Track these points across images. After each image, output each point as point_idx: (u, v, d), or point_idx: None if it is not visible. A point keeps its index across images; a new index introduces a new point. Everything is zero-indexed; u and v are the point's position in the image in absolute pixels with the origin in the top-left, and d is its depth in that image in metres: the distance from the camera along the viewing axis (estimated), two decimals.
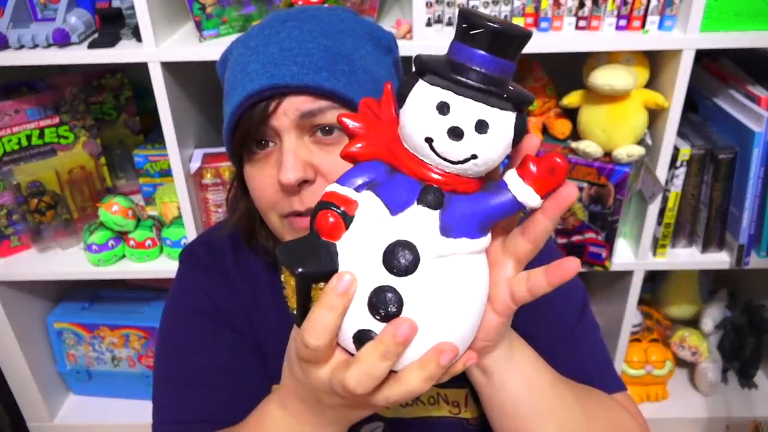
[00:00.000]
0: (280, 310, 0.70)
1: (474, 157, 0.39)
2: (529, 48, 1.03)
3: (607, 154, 1.11)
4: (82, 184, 1.31)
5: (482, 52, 0.38)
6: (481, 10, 1.04)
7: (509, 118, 0.39)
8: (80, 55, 1.05)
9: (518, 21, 1.05)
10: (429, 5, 1.04)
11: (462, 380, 0.67)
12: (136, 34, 1.04)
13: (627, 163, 1.09)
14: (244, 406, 0.63)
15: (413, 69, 0.41)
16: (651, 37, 1.02)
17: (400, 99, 0.41)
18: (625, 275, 1.25)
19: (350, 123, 0.44)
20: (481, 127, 0.38)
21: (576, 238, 1.19)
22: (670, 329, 1.46)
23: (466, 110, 0.38)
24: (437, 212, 0.40)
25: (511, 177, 0.41)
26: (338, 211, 0.41)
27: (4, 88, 1.24)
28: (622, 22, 1.03)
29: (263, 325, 0.71)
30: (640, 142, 1.10)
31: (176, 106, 1.10)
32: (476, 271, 0.43)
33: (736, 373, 1.48)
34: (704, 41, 1.00)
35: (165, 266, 1.25)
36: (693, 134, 1.18)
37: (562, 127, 1.17)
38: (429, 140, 0.39)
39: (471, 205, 0.41)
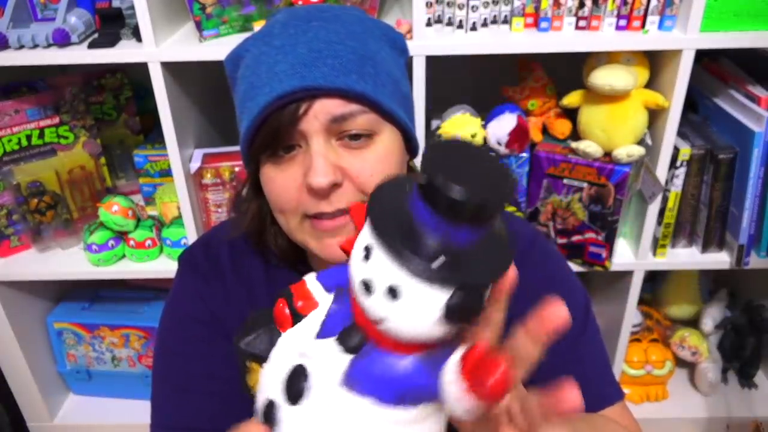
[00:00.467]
0: None
1: (383, 321, 0.33)
2: (529, 48, 1.03)
3: (607, 154, 1.11)
4: (82, 184, 1.31)
5: (434, 214, 0.31)
6: (481, 10, 1.04)
7: (435, 296, 0.31)
8: (80, 55, 1.05)
9: (518, 21, 1.05)
10: (429, 5, 1.04)
11: None
12: (136, 34, 1.04)
13: (627, 163, 1.09)
14: (238, 413, 0.63)
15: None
16: (651, 37, 1.02)
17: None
18: (625, 275, 1.25)
19: (358, 215, 0.38)
20: (391, 293, 0.32)
21: (576, 238, 1.19)
22: (670, 329, 1.46)
23: (380, 267, 0.32)
24: (349, 357, 0.36)
25: (453, 359, 0.34)
26: (292, 306, 0.40)
27: (4, 88, 1.24)
28: (622, 22, 1.03)
29: None
30: (640, 142, 1.10)
31: (176, 106, 1.10)
32: None
33: (736, 373, 1.48)
34: (704, 41, 1.00)
35: (165, 266, 1.25)
36: (693, 134, 1.19)
37: (562, 127, 1.17)
38: (351, 280, 0.35)
39: (390, 368, 0.35)
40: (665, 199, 1.17)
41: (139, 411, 1.41)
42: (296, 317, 0.40)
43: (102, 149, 1.33)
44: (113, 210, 1.21)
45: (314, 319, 0.40)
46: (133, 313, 1.41)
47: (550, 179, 1.15)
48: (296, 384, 0.36)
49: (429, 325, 0.32)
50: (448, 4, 1.04)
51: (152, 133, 1.38)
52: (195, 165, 1.17)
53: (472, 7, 1.04)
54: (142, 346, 1.41)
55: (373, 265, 0.32)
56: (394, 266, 0.31)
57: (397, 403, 0.35)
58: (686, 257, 1.24)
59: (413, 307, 0.32)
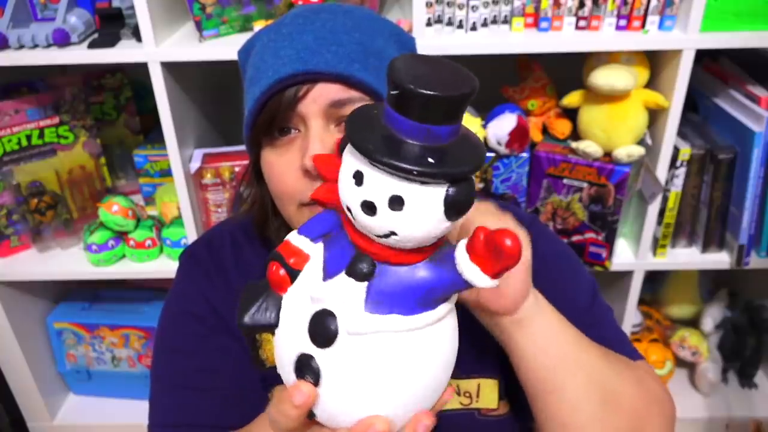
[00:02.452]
0: None
1: (393, 233, 0.35)
2: (529, 48, 1.03)
3: (607, 154, 1.11)
4: (82, 184, 1.31)
5: (410, 121, 0.33)
6: (481, 10, 1.04)
7: (434, 193, 0.34)
8: (80, 55, 1.05)
9: (518, 21, 1.05)
10: (429, 5, 1.04)
11: (475, 371, 0.67)
12: (136, 34, 1.04)
13: (627, 163, 1.09)
14: (239, 410, 0.63)
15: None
16: (651, 37, 1.02)
17: (340, 154, 0.38)
18: (625, 275, 1.25)
19: (323, 164, 0.41)
20: (396, 203, 0.34)
21: (576, 238, 1.19)
22: (670, 329, 1.46)
23: (378, 184, 0.34)
24: (364, 285, 0.37)
25: (460, 251, 0.37)
26: (284, 265, 0.40)
27: (4, 88, 1.24)
28: (622, 22, 1.03)
29: None
30: (640, 142, 1.10)
31: (176, 106, 1.10)
32: (419, 347, 0.39)
33: (736, 373, 1.48)
34: (704, 41, 1.00)
35: (165, 266, 1.25)
36: (693, 134, 1.18)
37: (562, 127, 1.17)
38: (348, 209, 0.36)
39: (407, 279, 0.37)
40: (665, 199, 1.17)
41: (139, 411, 1.41)
42: (293, 275, 0.41)
43: (102, 149, 1.33)
44: (113, 210, 1.21)
45: (312, 269, 0.40)
46: (133, 313, 1.41)
47: (550, 179, 1.15)
48: (323, 328, 0.37)
49: (434, 224, 0.35)
50: (448, 4, 1.04)
51: (152, 133, 1.38)
52: (195, 165, 1.17)
53: (472, 7, 1.04)
54: (142, 346, 1.41)
55: (370, 186, 0.34)
56: (391, 179, 0.34)
57: (421, 308, 0.38)
58: (686, 257, 1.24)
59: (417, 210, 0.34)
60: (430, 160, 0.33)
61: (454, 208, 0.35)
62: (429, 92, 0.32)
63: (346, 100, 0.57)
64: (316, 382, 0.39)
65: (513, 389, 0.68)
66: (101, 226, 1.23)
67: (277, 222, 0.69)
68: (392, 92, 0.34)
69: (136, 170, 1.34)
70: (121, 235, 1.24)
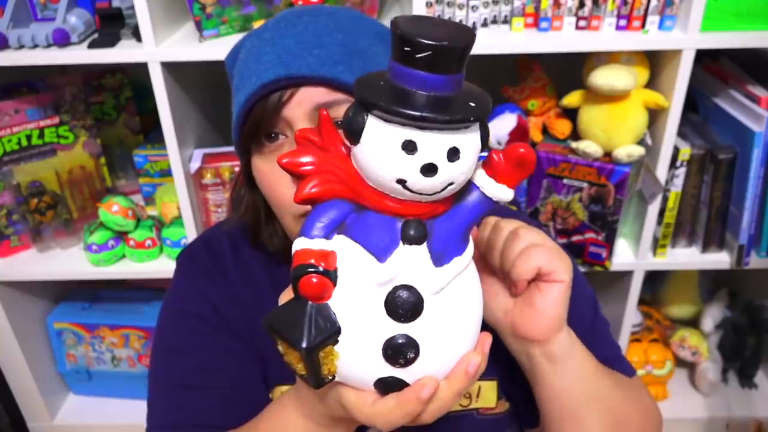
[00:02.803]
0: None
1: (450, 184, 0.37)
2: (529, 48, 1.03)
3: (607, 154, 1.11)
4: (82, 184, 1.31)
5: (433, 75, 0.35)
6: (481, 10, 1.04)
7: (476, 132, 0.37)
8: (80, 55, 1.05)
9: (518, 21, 1.05)
10: (429, 5, 1.04)
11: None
12: (136, 34, 1.04)
13: (627, 163, 1.09)
14: (240, 409, 0.63)
15: (357, 96, 0.37)
16: (651, 37, 1.02)
17: (352, 135, 0.37)
18: (625, 275, 1.25)
19: (298, 161, 0.40)
20: (454, 154, 0.36)
21: (576, 238, 1.19)
22: (670, 329, 1.46)
23: (435, 144, 0.35)
24: (424, 246, 0.39)
25: (481, 178, 0.40)
26: (319, 271, 0.38)
27: (4, 88, 1.24)
28: (622, 22, 1.03)
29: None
30: (640, 142, 1.10)
31: (176, 106, 1.10)
32: (471, 279, 0.42)
33: (736, 373, 1.48)
34: (704, 41, 1.00)
35: (165, 266, 1.25)
36: (693, 134, 1.18)
37: (562, 127, 1.17)
38: (401, 181, 0.36)
39: (452, 223, 0.40)
40: (665, 199, 1.17)
41: (139, 411, 1.39)
42: (332, 277, 0.39)
43: (102, 149, 1.33)
44: (113, 210, 1.21)
45: (351, 261, 0.39)
46: (133, 313, 1.41)
47: (550, 179, 1.15)
48: (406, 302, 0.38)
49: (475, 161, 0.38)
50: (448, 4, 1.04)
51: (152, 133, 1.38)
52: (195, 165, 1.17)
53: (472, 7, 1.04)
54: (142, 346, 1.41)
55: (427, 148, 0.35)
56: (446, 135, 0.35)
57: (465, 243, 0.41)
58: (686, 257, 1.24)
59: (469, 154, 0.37)
60: (472, 104, 0.36)
61: (485, 142, 0.38)
62: (455, 44, 0.34)
63: (332, 102, 0.57)
64: (416, 356, 0.39)
65: (511, 388, 0.68)
66: (101, 226, 1.23)
67: (269, 228, 0.69)
68: (418, 55, 0.34)
69: (136, 170, 1.34)
70: (121, 235, 1.24)
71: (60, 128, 1.25)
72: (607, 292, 1.37)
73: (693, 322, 1.48)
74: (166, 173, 1.28)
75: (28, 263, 1.28)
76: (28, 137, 1.22)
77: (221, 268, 0.73)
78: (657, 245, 1.22)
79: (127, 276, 1.28)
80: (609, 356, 0.65)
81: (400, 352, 0.39)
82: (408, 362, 0.39)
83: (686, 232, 1.23)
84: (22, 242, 1.29)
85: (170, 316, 0.73)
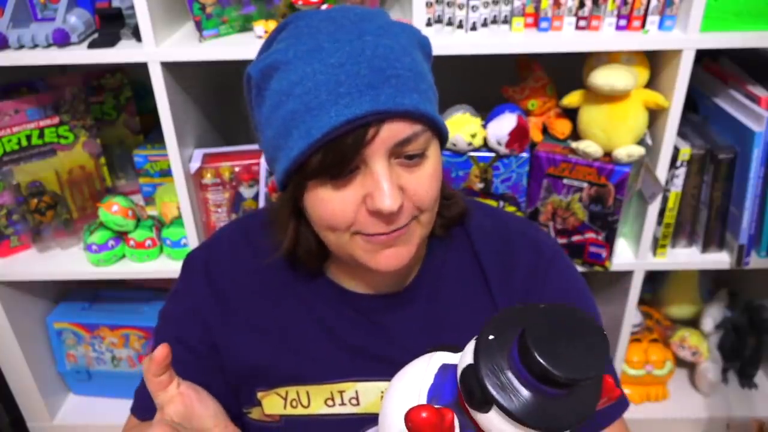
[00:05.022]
0: (279, 321, 0.71)
1: None
2: (529, 48, 1.03)
3: (607, 154, 1.11)
4: (82, 184, 1.31)
5: (555, 389, 0.36)
6: (481, 10, 1.04)
7: None
8: (80, 55, 1.05)
9: (518, 21, 1.05)
10: (429, 5, 1.04)
11: None
12: (136, 34, 1.04)
13: (627, 163, 1.09)
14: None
15: (486, 392, 0.37)
16: (651, 37, 1.02)
17: (477, 409, 0.38)
18: (625, 275, 1.25)
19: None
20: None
21: (576, 238, 1.19)
22: (670, 329, 1.46)
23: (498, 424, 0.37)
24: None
25: None
26: None
27: (4, 88, 1.24)
28: (622, 22, 1.03)
29: (263, 329, 0.72)
30: (640, 142, 1.10)
31: (176, 106, 1.10)
32: None
33: (736, 373, 1.48)
34: (704, 41, 1.00)
35: (165, 266, 1.25)
36: (693, 134, 1.19)
37: (562, 127, 1.17)
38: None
39: None
40: (665, 199, 1.17)
41: None
42: None
43: (102, 149, 1.33)
44: (113, 210, 1.21)
45: None
46: (133, 313, 1.41)
47: (550, 179, 1.15)
48: None
49: None
50: (448, 4, 1.04)
51: (152, 133, 1.38)
52: (195, 165, 1.17)
53: (472, 7, 1.04)
54: (142, 346, 1.41)
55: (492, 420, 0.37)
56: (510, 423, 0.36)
57: None
58: (686, 257, 1.24)
59: None
60: (576, 419, 0.37)
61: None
62: (581, 377, 0.34)
63: (412, 136, 0.56)
64: None
65: None
66: (101, 226, 1.23)
67: (304, 245, 0.68)
68: (552, 378, 0.35)
69: (136, 170, 1.34)
70: (121, 235, 1.25)
71: (60, 128, 1.25)
72: (607, 292, 1.37)
73: (693, 322, 1.48)
74: (166, 173, 1.28)
75: (28, 263, 1.28)
76: (28, 137, 1.22)
77: (216, 280, 0.73)
78: (657, 245, 1.22)
79: (127, 276, 1.28)
80: None
81: None
82: None
83: (686, 232, 1.23)
84: (22, 242, 1.29)
85: (162, 328, 0.76)
